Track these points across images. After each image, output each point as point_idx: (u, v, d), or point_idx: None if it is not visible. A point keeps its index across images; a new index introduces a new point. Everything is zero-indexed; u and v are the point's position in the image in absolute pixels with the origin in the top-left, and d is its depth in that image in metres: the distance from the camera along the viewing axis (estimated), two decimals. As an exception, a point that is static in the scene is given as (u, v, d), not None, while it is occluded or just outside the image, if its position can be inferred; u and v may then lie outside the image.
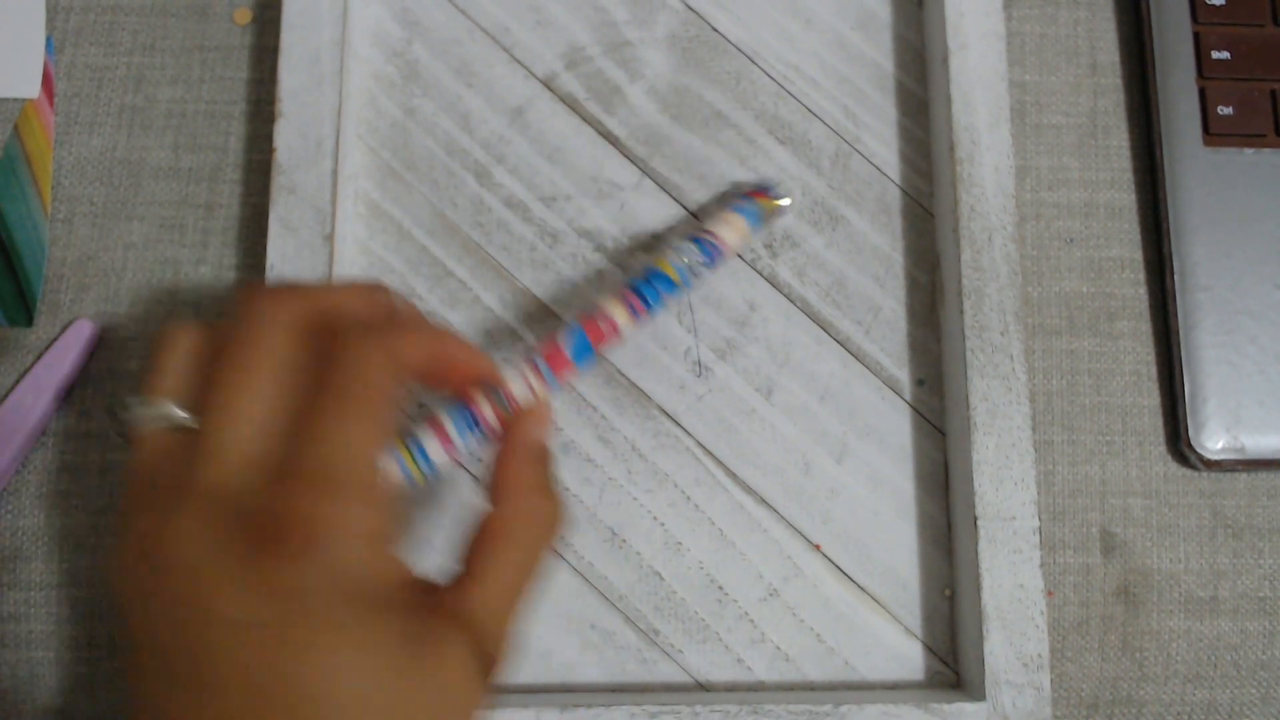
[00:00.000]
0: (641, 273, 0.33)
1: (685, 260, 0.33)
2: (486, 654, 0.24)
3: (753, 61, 0.39)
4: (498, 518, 0.26)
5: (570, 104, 0.39)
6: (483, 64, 0.39)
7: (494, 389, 0.28)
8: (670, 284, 0.33)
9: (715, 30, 0.40)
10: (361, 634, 0.22)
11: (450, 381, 0.28)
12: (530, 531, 0.27)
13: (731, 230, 0.34)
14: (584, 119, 0.39)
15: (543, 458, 0.28)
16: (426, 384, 0.27)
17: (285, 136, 0.36)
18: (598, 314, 0.31)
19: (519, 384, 0.29)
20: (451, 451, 0.28)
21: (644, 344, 0.37)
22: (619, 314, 0.31)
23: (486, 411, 0.28)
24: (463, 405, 0.28)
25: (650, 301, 0.32)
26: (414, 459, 0.27)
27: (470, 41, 0.39)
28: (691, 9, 0.40)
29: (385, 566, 0.24)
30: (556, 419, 0.36)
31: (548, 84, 0.39)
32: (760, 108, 0.39)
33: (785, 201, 0.36)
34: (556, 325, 0.37)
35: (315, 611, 0.22)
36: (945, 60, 0.37)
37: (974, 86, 0.37)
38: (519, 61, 0.39)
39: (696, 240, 0.34)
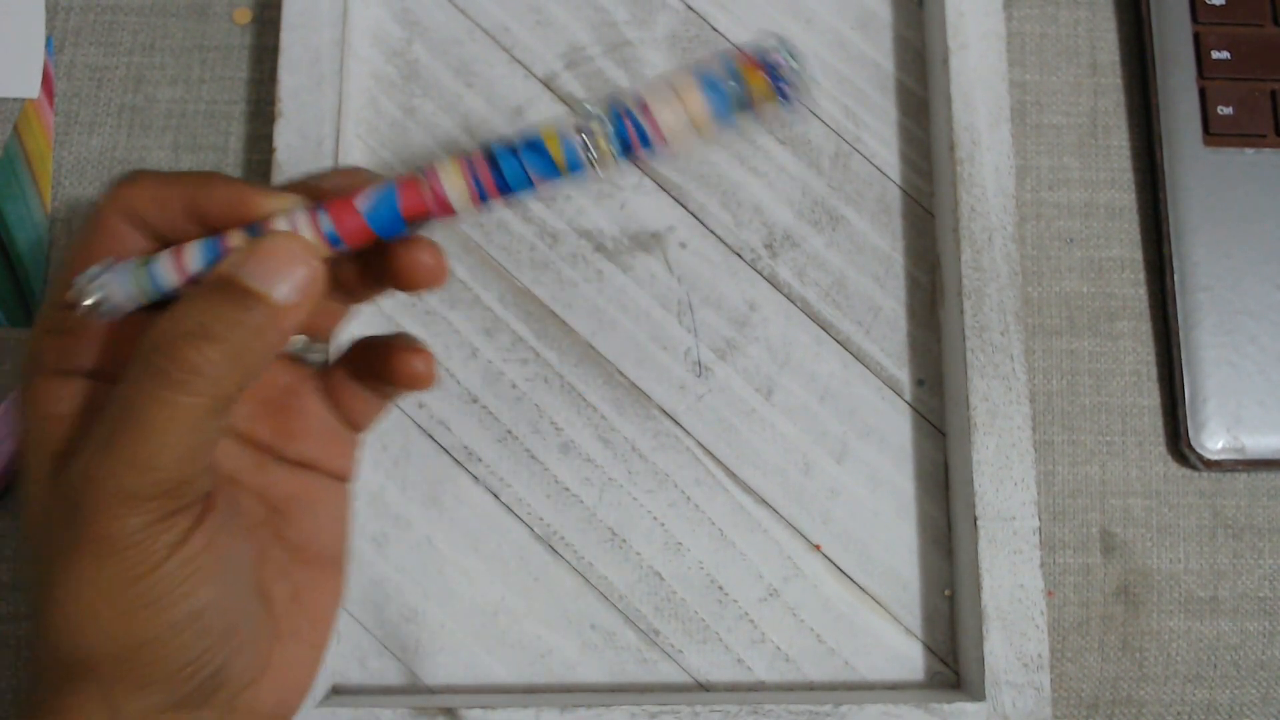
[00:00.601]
0: (515, 138, 0.23)
1: (588, 136, 0.23)
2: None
3: (753, 61, 0.39)
4: (128, 373, 0.23)
5: (570, 104, 0.39)
6: (483, 64, 0.39)
7: (254, 227, 0.24)
8: (548, 163, 0.23)
9: (715, 30, 0.40)
10: None
11: (212, 219, 0.25)
12: (140, 396, 0.22)
13: (675, 108, 0.23)
14: (584, 119, 0.39)
15: (232, 303, 0.23)
16: (204, 226, 0.25)
17: (285, 136, 0.36)
18: (425, 176, 0.24)
19: (284, 226, 0.24)
20: (185, 277, 0.24)
21: (644, 344, 0.37)
22: (453, 184, 0.23)
23: (237, 243, 0.24)
24: (217, 239, 0.24)
25: (508, 179, 0.23)
26: (146, 278, 0.24)
27: (470, 41, 0.39)
28: (691, 9, 0.40)
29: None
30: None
31: (548, 84, 0.39)
32: (760, 108, 0.39)
33: (788, 84, 0.23)
34: (556, 325, 0.37)
35: None
36: (945, 60, 0.37)
37: (974, 86, 0.37)
38: (519, 61, 0.39)
39: (615, 113, 0.23)
